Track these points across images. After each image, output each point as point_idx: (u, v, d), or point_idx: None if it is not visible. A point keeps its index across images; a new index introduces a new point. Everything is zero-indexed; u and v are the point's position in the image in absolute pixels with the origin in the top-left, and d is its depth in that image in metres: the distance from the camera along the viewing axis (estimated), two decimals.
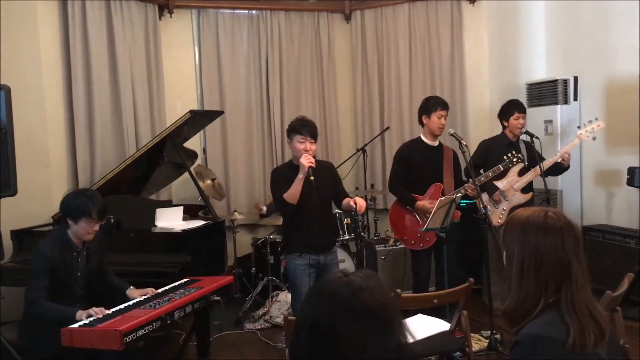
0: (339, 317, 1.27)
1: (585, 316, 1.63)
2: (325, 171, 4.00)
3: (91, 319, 3.12)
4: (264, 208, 5.93)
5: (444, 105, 4.62)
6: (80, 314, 3.21)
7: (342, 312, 1.27)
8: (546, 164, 4.75)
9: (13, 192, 3.84)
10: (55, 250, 3.41)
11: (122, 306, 3.34)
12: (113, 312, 3.24)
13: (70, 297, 3.45)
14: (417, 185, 4.62)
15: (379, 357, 1.26)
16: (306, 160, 3.74)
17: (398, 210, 4.69)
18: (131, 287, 3.68)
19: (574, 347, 1.59)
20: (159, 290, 3.67)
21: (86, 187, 5.15)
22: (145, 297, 3.56)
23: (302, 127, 3.85)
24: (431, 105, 4.62)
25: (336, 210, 4.35)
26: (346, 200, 3.97)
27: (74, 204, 3.43)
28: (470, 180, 4.39)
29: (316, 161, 3.85)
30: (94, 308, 3.25)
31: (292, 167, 3.91)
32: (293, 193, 3.79)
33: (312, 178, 3.73)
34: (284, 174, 3.91)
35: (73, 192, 3.58)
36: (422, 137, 4.70)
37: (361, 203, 3.76)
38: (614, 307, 2.98)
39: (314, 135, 3.86)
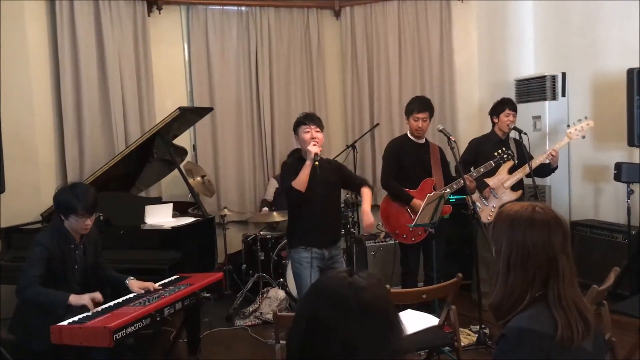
0: (337, 316, 1.26)
1: (572, 311, 1.64)
2: (330, 167, 4.10)
3: (81, 316, 3.10)
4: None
5: (421, 108, 4.61)
6: (75, 298, 3.23)
7: (341, 311, 1.26)
8: (536, 161, 4.79)
9: (1, 189, 3.83)
10: (54, 242, 3.40)
11: (111, 303, 3.33)
12: (102, 309, 3.23)
13: (66, 290, 3.43)
14: (407, 182, 4.64)
15: (372, 358, 1.25)
16: (313, 147, 3.82)
17: (389, 204, 4.71)
18: (131, 277, 3.67)
19: (562, 341, 1.60)
20: (158, 285, 3.67)
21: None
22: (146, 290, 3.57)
23: (305, 118, 3.97)
24: (408, 109, 4.70)
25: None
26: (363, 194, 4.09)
27: (60, 201, 3.41)
28: (461, 175, 4.41)
29: (321, 159, 3.93)
30: (90, 295, 3.26)
31: (301, 161, 3.94)
32: (300, 179, 3.82)
33: (316, 163, 3.80)
34: (294, 166, 3.96)
35: (62, 188, 3.55)
36: (408, 135, 4.74)
37: (367, 223, 3.94)
38: (601, 301, 3.02)
39: (317, 123, 3.94)
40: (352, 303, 1.26)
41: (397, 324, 1.32)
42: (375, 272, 5.33)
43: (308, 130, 3.90)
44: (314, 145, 3.83)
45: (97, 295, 3.30)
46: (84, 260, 3.59)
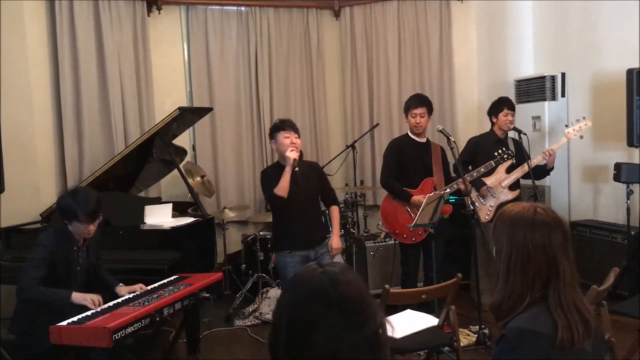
0: (317, 309, 1.25)
1: (572, 312, 1.64)
2: (310, 170, 4.15)
3: (80, 316, 3.10)
4: None
5: (418, 104, 4.66)
6: (77, 296, 3.25)
7: (319, 304, 1.25)
8: (533, 161, 4.80)
9: (1, 189, 3.82)
10: (57, 243, 3.40)
11: (110, 303, 3.33)
12: (102, 309, 3.23)
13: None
14: (407, 181, 4.65)
15: (355, 350, 1.24)
16: (291, 153, 3.89)
17: (390, 204, 4.72)
18: (120, 284, 3.68)
19: (562, 343, 1.60)
20: (148, 287, 3.67)
21: (75, 184, 5.13)
22: (134, 294, 3.55)
23: (283, 124, 4.03)
24: (406, 105, 4.74)
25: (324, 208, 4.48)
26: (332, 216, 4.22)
27: (62, 206, 3.41)
28: (461, 175, 4.42)
29: (302, 161, 4.02)
30: (92, 295, 3.28)
31: (280, 167, 4.03)
32: (282, 186, 3.89)
33: (296, 169, 3.90)
34: (273, 174, 4.02)
35: (65, 193, 3.54)
36: (409, 134, 4.74)
37: (336, 246, 4.14)
38: (600, 302, 3.02)
39: (296, 129, 4.02)
40: (332, 296, 1.25)
41: (373, 307, 1.30)
42: (374, 272, 5.36)
43: (288, 135, 3.96)
44: (292, 150, 3.90)
45: (99, 298, 3.31)
46: (87, 262, 3.60)
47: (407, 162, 4.68)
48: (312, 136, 6.75)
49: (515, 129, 4.87)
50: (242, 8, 6.48)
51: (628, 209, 4.78)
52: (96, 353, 3.05)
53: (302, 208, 3.99)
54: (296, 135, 3.99)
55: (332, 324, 1.24)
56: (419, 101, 4.69)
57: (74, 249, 3.49)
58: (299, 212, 3.99)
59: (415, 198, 4.53)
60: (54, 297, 3.28)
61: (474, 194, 4.84)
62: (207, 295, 3.85)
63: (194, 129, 6.25)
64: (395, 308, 3.86)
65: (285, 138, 3.96)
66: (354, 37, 6.73)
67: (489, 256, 4.74)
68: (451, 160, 4.70)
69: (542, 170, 4.93)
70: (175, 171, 5.06)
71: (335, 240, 4.14)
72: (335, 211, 4.25)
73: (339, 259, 5.35)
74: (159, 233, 4.44)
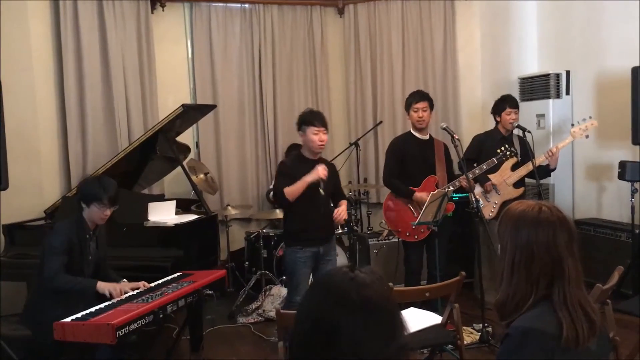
0: (343, 313, 1.24)
1: (577, 312, 1.63)
2: (329, 168, 4.12)
3: (84, 312, 3.11)
4: None
5: (419, 98, 4.67)
6: (101, 285, 3.39)
7: (345, 308, 1.24)
8: (538, 159, 4.79)
9: (4, 186, 3.83)
10: (72, 231, 3.52)
11: (114, 300, 3.34)
12: (106, 305, 3.23)
13: None
14: (409, 179, 4.64)
15: (377, 356, 1.24)
16: (322, 171, 3.85)
17: (393, 202, 4.71)
18: (124, 280, 3.69)
19: (567, 343, 1.59)
20: (152, 285, 3.67)
21: (79, 182, 5.16)
22: (138, 290, 3.56)
23: (314, 118, 3.98)
24: (408, 101, 4.73)
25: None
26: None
27: (87, 189, 3.58)
28: (464, 172, 4.41)
29: (320, 159, 4.02)
30: (114, 285, 3.42)
31: (301, 159, 4.02)
32: (294, 191, 3.89)
33: (322, 191, 3.87)
34: (292, 166, 4.02)
35: (89, 178, 3.75)
36: (412, 131, 4.74)
37: (340, 214, 4.02)
38: (605, 300, 3.01)
39: (325, 125, 4.00)
40: (355, 299, 1.24)
41: (401, 321, 1.31)
42: (377, 270, 5.34)
43: (317, 132, 3.94)
44: (324, 168, 3.86)
45: (120, 288, 3.43)
46: (96, 254, 3.67)
47: (410, 160, 4.67)
48: None
49: (519, 127, 4.85)
50: (246, 5, 6.46)
51: (632, 208, 4.78)
52: (99, 350, 3.06)
53: (317, 207, 3.99)
54: (325, 132, 3.97)
55: (355, 328, 1.23)
56: (420, 96, 4.69)
57: (87, 237, 3.58)
58: (315, 211, 3.98)
59: (418, 195, 4.53)
60: (80, 285, 3.40)
61: (477, 190, 4.84)
62: (211, 292, 3.86)
63: (197, 126, 6.24)
64: (399, 306, 3.85)
65: (314, 135, 3.94)
66: (358, 34, 6.71)
67: (492, 254, 4.74)
68: (455, 158, 4.69)
69: (545, 170, 4.91)
70: (179, 168, 5.06)
71: (342, 209, 4.06)
72: (343, 203, 4.21)
73: (342, 256, 5.37)
74: (162, 230, 4.45)
